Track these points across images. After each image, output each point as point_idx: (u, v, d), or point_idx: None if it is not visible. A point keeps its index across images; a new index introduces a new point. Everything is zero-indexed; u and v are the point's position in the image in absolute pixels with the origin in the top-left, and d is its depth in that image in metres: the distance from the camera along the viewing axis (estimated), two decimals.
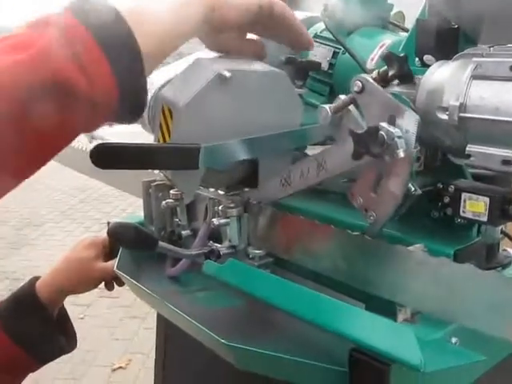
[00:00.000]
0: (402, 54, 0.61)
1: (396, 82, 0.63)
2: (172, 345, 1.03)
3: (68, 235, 4.93)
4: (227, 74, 0.63)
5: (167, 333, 1.03)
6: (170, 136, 0.64)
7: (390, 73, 0.61)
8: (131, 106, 0.54)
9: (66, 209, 5.70)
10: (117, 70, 0.50)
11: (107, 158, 0.59)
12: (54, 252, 4.43)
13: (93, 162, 0.57)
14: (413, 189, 0.60)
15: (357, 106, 0.63)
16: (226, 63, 0.68)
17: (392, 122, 0.58)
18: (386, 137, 0.56)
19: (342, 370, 0.56)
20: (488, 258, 0.70)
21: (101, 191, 6.19)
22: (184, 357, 0.97)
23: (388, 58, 0.61)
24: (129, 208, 5.41)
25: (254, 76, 0.69)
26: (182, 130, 0.64)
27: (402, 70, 0.61)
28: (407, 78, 0.61)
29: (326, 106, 0.63)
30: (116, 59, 0.50)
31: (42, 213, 5.61)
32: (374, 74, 0.62)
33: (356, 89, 0.61)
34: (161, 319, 1.04)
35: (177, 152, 0.63)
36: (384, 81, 0.61)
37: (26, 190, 5.69)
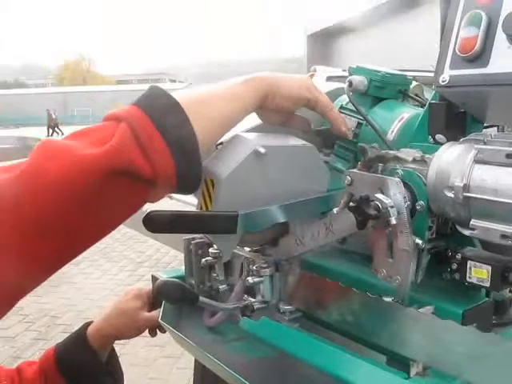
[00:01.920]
0: (372, 145, 0.77)
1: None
2: None
3: (104, 274, 5.07)
4: (262, 151, 0.74)
5: (204, 373, 1.12)
6: (211, 203, 0.75)
7: (367, 159, 0.75)
8: (187, 186, 0.65)
9: (102, 247, 5.82)
10: (177, 159, 0.61)
11: (158, 224, 0.70)
12: (90, 291, 4.55)
13: (146, 227, 0.68)
14: (421, 242, 0.69)
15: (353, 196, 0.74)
16: (262, 139, 0.78)
17: (382, 193, 0.68)
18: (380, 205, 0.66)
19: None
20: (499, 314, 0.77)
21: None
22: None
23: (362, 149, 0.76)
24: (162, 248, 5.50)
25: (287, 150, 0.79)
26: (222, 198, 0.74)
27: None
28: (381, 158, 0.75)
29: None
30: (177, 149, 0.61)
31: None
32: (359, 165, 0.76)
33: (347, 182, 0.74)
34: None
35: (218, 219, 0.74)
36: (366, 167, 0.76)
37: None
